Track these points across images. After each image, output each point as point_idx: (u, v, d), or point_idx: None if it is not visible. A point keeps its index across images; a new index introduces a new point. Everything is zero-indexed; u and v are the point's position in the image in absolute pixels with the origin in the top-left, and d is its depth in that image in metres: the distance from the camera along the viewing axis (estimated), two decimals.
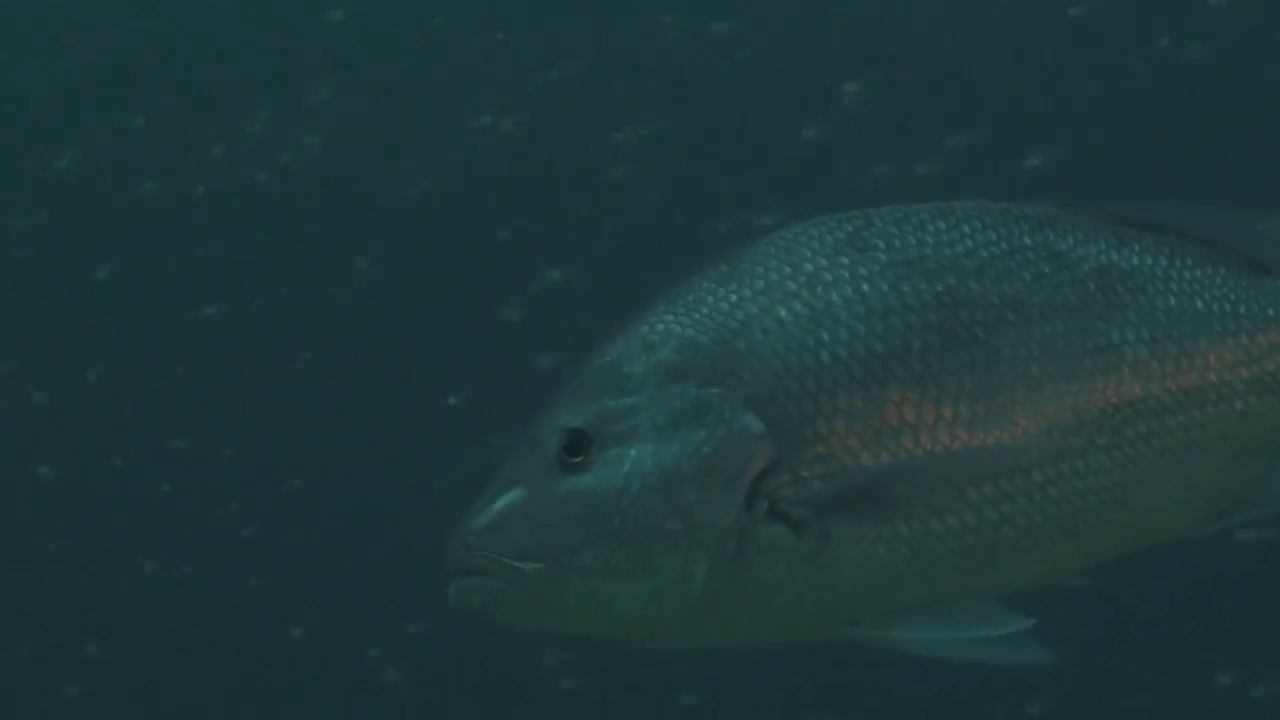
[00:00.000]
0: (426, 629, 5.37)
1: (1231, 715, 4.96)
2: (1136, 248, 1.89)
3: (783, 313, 1.82)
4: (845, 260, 1.84)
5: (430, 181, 6.31)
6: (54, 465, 6.33)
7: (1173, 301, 1.88)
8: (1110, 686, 4.83)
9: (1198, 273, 1.90)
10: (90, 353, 6.41)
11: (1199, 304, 1.89)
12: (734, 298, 1.83)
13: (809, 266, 1.84)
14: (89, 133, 6.47)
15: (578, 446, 1.79)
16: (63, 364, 6.44)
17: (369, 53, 6.47)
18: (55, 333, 6.48)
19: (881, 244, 1.84)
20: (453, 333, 6.09)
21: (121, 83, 6.46)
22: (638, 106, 6.10)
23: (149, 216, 6.56)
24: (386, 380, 6.13)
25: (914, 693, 4.76)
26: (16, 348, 6.53)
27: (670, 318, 1.84)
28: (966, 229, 1.86)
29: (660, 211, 5.85)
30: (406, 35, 6.56)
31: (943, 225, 1.86)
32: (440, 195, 6.28)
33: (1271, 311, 1.91)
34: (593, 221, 6.01)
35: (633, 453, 1.78)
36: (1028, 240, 1.87)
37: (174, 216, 6.55)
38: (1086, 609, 4.02)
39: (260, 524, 6.03)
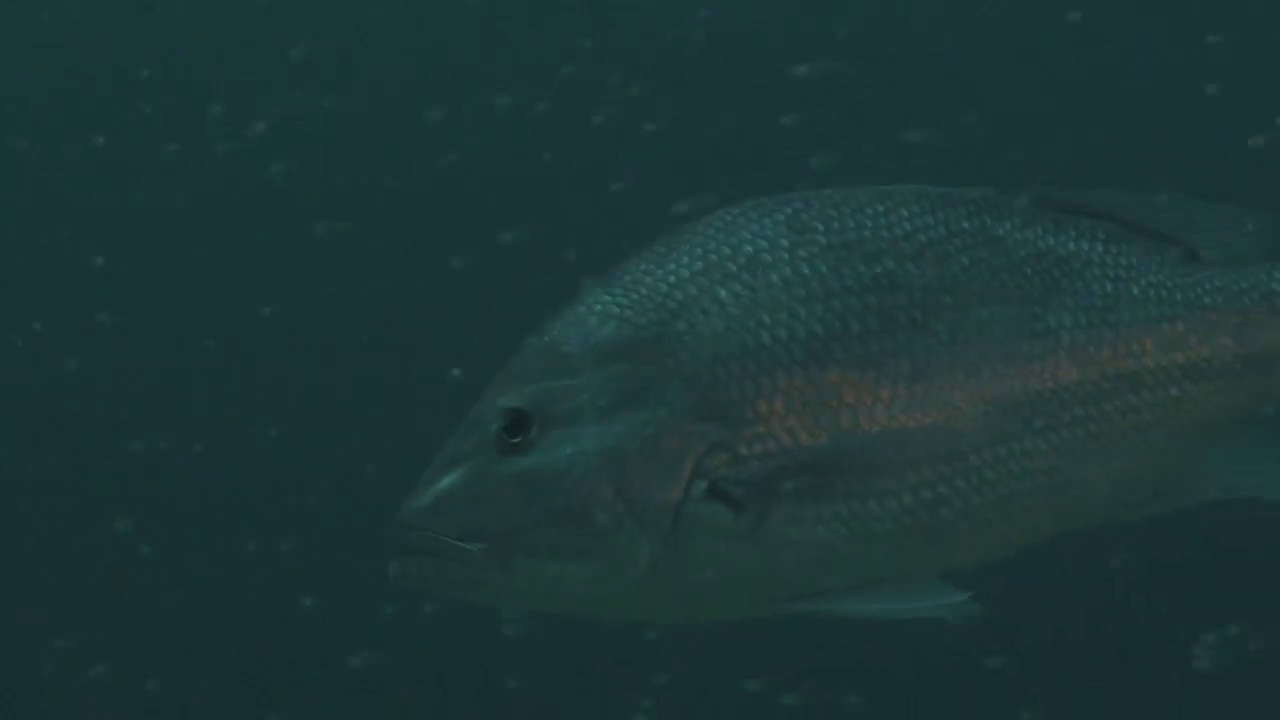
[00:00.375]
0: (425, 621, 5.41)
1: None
2: (1073, 233, 1.91)
3: (722, 293, 1.84)
4: (784, 242, 1.86)
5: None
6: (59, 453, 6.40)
7: (1109, 287, 1.90)
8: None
9: (1134, 259, 1.92)
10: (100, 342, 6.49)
11: (1134, 290, 1.91)
12: (673, 278, 1.85)
13: (748, 248, 1.86)
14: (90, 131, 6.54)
15: (518, 427, 1.81)
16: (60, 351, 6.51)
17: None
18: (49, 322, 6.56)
19: (820, 226, 1.87)
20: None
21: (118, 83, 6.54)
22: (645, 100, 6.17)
23: (159, 214, 6.64)
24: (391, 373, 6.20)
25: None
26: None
27: (608, 298, 1.86)
28: (905, 212, 1.88)
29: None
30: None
31: (881, 209, 1.88)
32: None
33: (1206, 299, 1.93)
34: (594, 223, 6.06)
35: (574, 434, 1.81)
36: (965, 224, 1.89)
37: (178, 215, 6.62)
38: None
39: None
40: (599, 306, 1.86)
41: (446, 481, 1.84)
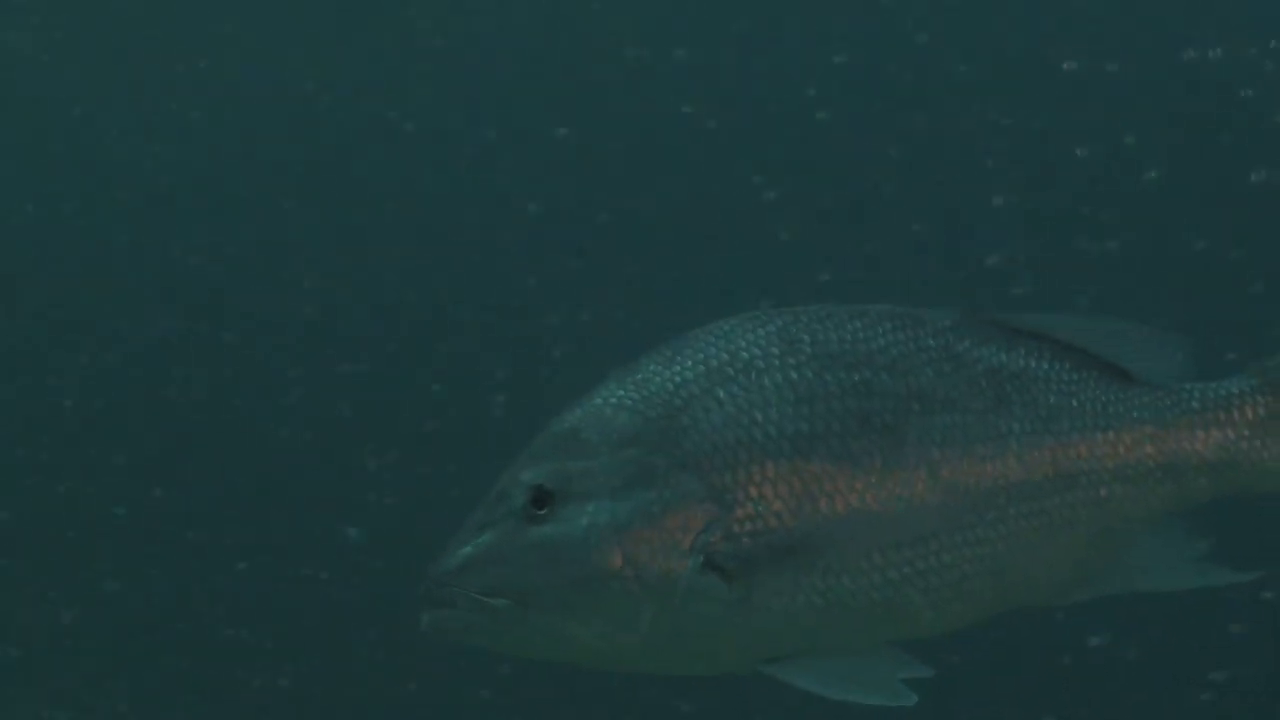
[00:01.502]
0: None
1: None
2: (1023, 351, 2.19)
3: (721, 393, 2.11)
4: (776, 351, 2.13)
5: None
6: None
7: (1053, 399, 2.18)
8: None
9: (1075, 376, 2.20)
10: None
11: (1074, 403, 2.19)
12: (678, 378, 2.12)
13: (744, 355, 2.13)
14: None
15: (541, 500, 2.08)
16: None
17: None
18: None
19: (807, 338, 2.14)
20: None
21: None
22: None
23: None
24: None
25: None
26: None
27: (622, 393, 2.13)
28: (879, 329, 2.16)
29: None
30: None
31: (859, 325, 2.16)
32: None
33: (1135, 413, 2.21)
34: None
35: (590, 508, 2.07)
36: (931, 341, 2.17)
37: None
38: None
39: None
40: (614, 399, 2.13)
41: (475, 545, 2.10)
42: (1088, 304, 5.23)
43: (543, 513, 2.08)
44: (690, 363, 2.14)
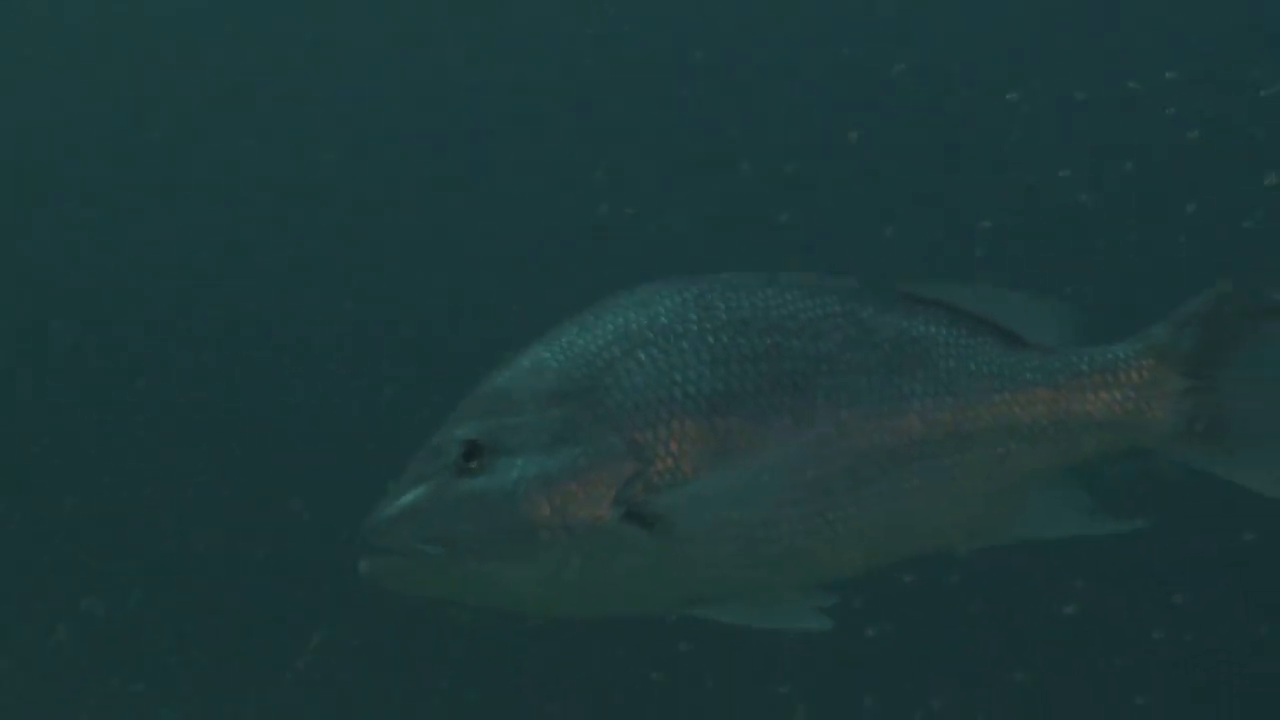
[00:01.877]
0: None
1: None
2: (922, 318, 2.35)
3: (641, 356, 2.26)
4: (693, 316, 2.28)
5: None
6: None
7: (951, 363, 2.33)
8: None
9: (971, 340, 2.36)
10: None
11: (971, 366, 2.34)
12: (601, 342, 2.27)
13: (663, 320, 2.28)
14: None
15: (473, 454, 2.22)
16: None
17: None
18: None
19: (721, 304, 2.29)
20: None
21: None
22: None
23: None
24: None
25: None
26: None
27: (548, 354, 2.27)
28: (789, 296, 2.31)
29: None
30: None
31: (770, 292, 2.31)
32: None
33: (1028, 375, 2.36)
34: None
35: (519, 462, 2.21)
36: (837, 308, 2.32)
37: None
38: None
39: None
40: (541, 360, 2.27)
41: (411, 496, 2.24)
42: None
43: (474, 466, 2.21)
44: (612, 327, 2.28)
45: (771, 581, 2.28)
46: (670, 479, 2.22)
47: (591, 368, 2.26)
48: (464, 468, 2.22)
